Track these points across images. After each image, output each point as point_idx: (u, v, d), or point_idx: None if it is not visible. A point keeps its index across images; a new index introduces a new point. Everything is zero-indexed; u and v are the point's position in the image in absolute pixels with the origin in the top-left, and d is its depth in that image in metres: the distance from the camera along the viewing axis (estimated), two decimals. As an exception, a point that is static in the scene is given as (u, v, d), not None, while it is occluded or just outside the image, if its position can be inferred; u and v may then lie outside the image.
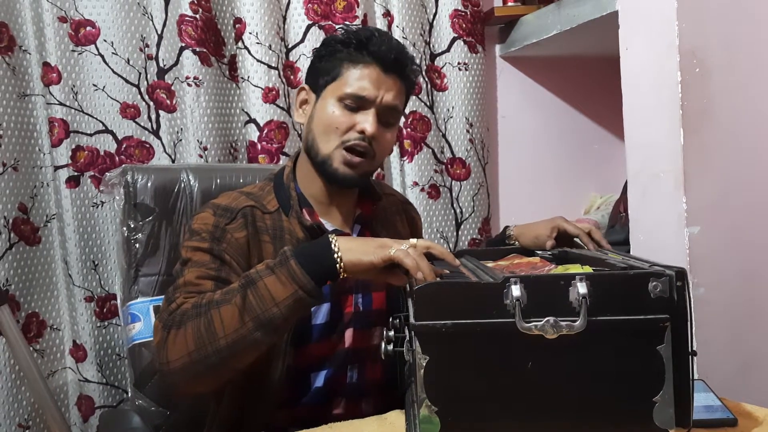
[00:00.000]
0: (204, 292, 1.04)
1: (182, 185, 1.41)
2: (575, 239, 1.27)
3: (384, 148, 1.20)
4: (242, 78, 1.74)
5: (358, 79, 1.15)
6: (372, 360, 1.22)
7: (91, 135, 1.62)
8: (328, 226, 1.20)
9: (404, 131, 1.89)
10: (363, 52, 1.15)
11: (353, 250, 0.99)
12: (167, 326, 1.01)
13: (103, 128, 1.63)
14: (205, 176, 1.44)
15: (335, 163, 1.15)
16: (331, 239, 1.00)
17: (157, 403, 1.35)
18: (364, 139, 1.14)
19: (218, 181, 1.44)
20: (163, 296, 1.36)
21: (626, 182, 1.51)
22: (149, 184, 1.39)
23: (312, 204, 1.21)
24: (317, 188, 1.21)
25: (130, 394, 1.63)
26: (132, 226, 1.38)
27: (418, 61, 1.89)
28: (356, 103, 1.15)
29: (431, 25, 1.94)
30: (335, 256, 0.98)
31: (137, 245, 1.38)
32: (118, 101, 1.64)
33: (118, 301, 1.45)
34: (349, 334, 1.20)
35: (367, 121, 1.14)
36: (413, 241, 1.00)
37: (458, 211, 1.96)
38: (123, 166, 1.46)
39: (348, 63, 1.16)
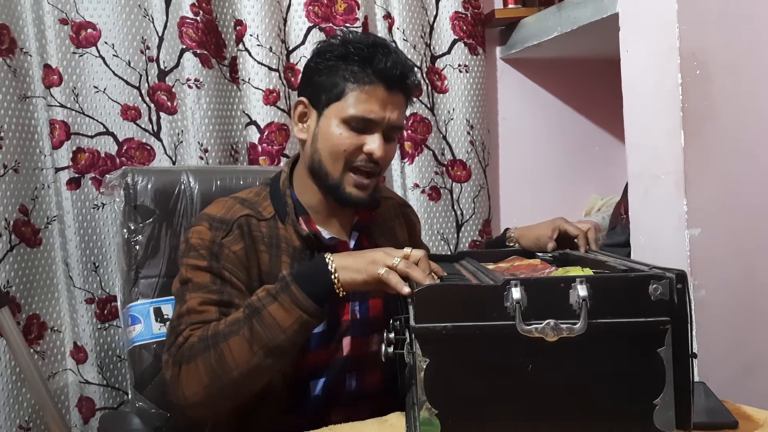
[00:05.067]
0: (208, 320, 1.06)
1: (182, 187, 1.41)
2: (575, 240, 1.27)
3: (388, 162, 1.19)
4: (243, 80, 1.74)
5: (363, 101, 1.12)
6: (371, 367, 1.22)
7: (91, 137, 1.62)
8: (325, 234, 1.20)
9: (405, 133, 1.89)
10: (367, 71, 1.12)
11: (348, 268, 1.00)
12: (177, 362, 1.04)
13: (104, 130, 1.63)
14: (205, 178, 1.44)
15: (347, 187, 1.15)
16: (327, 259, 1.01)
17: (158, 405, 1.35)
18: (371, 160, 1.14)
19: (218, 183, 1.44)
20: (163, 298, 1.38)
21: (627, 184, 1.51)
22: (149, 186, 1.38)
23: (309, 212, 1.20)
24: (316, 198, 1.20)
25: (130, 396, 1.63)
26: (132, 228, 1.38)
27: (418, 64, 1.89)
28: (362, 125, 1.13)
29: (432, 28, 1.94)
30: (332, 277, 1.00)
31: (137, 247, 1.38)
32: (118, 103, 1.64)
33: (119, 303, 1.45)
34: (346, 341, 1.19)
35: (374, 143, 1.13)
36: (407, 250, 1.00)
37: (459, 212, 1.96)
38: (123, 167, 1.46)
39: (351, 82, 1.12)
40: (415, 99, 1.88)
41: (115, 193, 1.41)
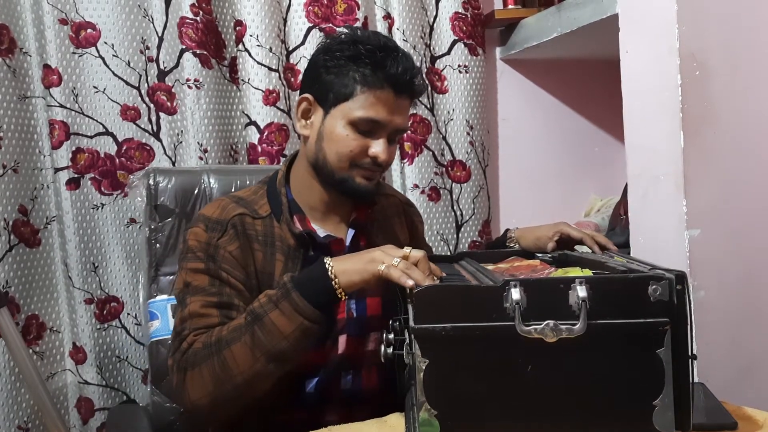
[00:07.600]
0: (211, 324, 1.07)
1: (203, 187, 1.45)
2: (579, 245, 1.27)
3: (389, 162, 1.20)
4: (243, 80, 1.74)
5: (372, 104, 1.12)
6: (367, 366, 1.21)
7: (91, 137, 1.62)
8: (321, 232, 1.20)
9: (405, 133, 1.89)
10: (378, 75, 1.12)
11: (347, 271, 1.01)
12: (182, 368, 1.05)
13: (104, 130, 1.63)
14: (226, 178, 1.47)
15: (357, 178, 1.16)
16: (327, 265, 1.02)
17: (172, 400, 1.38)
18: (375, 163, 1.15)
19: (238, 183, 1.47)
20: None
21: (626, 185, 1.51)
22: (170, 186, 1.42)
23: (306, 210, 1.21)
24: (314, 194, 1.21)
25: (131, 395, 1.65)
26: (153, 226, 1.42)
27: (418, 64, 1.88)
28: (368, 127, 1.13)
29: (432, 28, 1.94)
30: (333, 282, 1.01)
31: (158, 245, 1.42)
32: (118, 103, 1.64)
33: (141, 298, 1.49)
34: (342, 340, 1.19)
35: (379, 147, 1.14)
36: (406, 250, 1.00)
37: (458, 213, 1.96)
38: (146, 168, 1.50)
39: (362, 85, 1.12)
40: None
41: (137, 193, 1.46)
